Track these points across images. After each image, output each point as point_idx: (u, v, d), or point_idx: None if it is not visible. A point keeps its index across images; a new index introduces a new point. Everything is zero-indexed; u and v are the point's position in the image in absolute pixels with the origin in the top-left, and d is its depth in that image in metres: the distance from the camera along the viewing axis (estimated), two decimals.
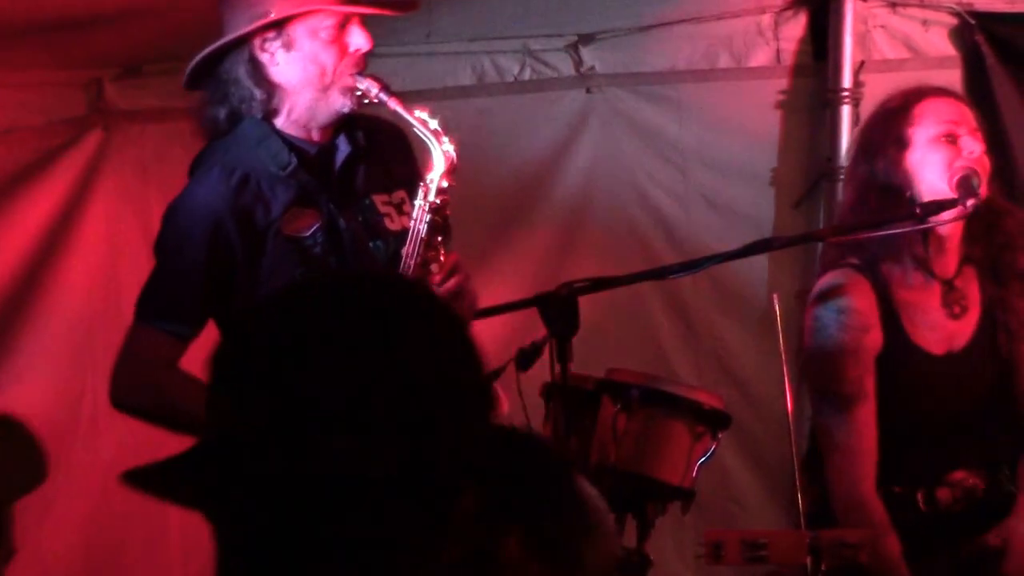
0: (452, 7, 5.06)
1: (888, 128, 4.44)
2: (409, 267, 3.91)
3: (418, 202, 3.90)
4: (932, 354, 4.41)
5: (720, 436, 4.21)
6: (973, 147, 4.31)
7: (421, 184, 3.91)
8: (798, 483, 3.93)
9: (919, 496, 4.38)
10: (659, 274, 4.51)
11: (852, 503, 4.22)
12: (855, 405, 4.36)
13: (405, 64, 5.12)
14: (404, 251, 3.91)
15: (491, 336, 4.19)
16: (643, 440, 4.12)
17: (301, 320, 1.84)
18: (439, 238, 3.93)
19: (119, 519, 4.99)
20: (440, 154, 3.88)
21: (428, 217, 3.91)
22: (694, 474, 4.08)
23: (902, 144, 4.38)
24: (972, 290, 4.45)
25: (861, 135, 4.56)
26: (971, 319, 4.44)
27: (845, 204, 4.53)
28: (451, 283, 3.89)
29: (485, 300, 4.29)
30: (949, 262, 4.40)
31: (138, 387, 3.98)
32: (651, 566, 4.14)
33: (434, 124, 3.87)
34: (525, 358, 4.01)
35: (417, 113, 3.88)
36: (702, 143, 5.37)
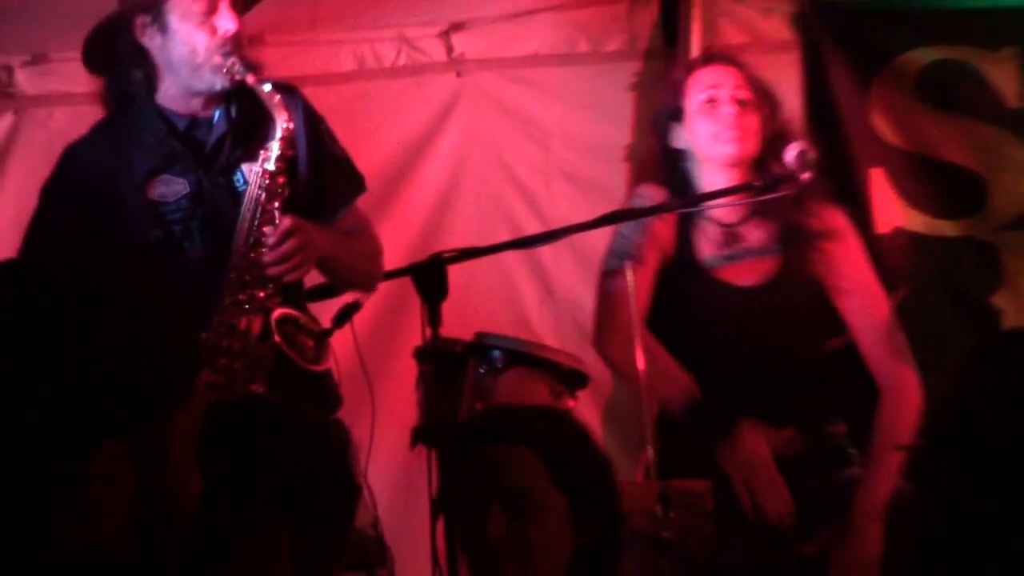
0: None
1: (667, 102, 4.55)
2: (244, 230, 3.93)
3: (256, 167, 3.96)
4: (718, 279, 4.43)
5: (578, 394, 4.25)
6: (729, 108, 4.40)
7: (261, 151, 3.97)
8: (648, 437, 3.93)
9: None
10: (523, 244, 4.59)
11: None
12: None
13: (293, 52, 5.15)
14: (240, 214, 3.95)
15: (369, 302, 4.27)
16: (507, 398, 4.12)
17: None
18: (276, 203, 3.96)
19: None
20: (280, 126, 3.95)
21: (266, 183, 3.95)
22: None
23: (678, 116, 4.49)
24: (760, 238, 4.46)
25: (653, 110, 4.66)
26: (766, 265, 4.45)
27: (642, 172, 4.63)
28: (286, 246, 3.90)
29: None
30: (731, 211, 4.46)
31: None
32: None
33: (278, 99, 3.95)
34: (339, 317, 4.00)
35: (265, 88, 3.95)
36: (563, 122, 5.38)
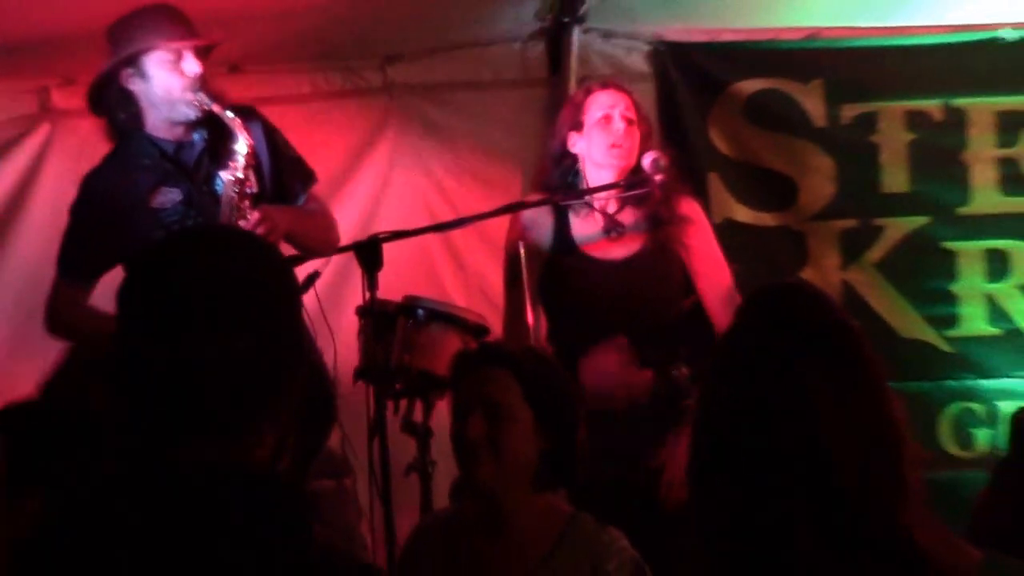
0: (296, 37, 5.22)
1: (569, 115, 4.76)
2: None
3: (228, 176, 4.23)
4: (592, 256, 4.63)
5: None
6: (619, 125, 4.62)
7: (231, 163, 4.22)
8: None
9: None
10: (440, 228, 4.89)
11: None
12: (510, 289, 4.62)
13: (262, 78, 5.43)
14: (221, 212, 4.19)
15: (323, 271, 4.39)
16: (428, 346, 4.37)
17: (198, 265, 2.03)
18: (247, 202, 4.23)
19: None
20: (243, 143, 4.23)
21: (237, 187, 4.21)
22: None
23: (578, 127, 4.72)
24: (632, 221, 4.65)
25: (555, 120, 4.84)
26: (633, 243, 4.64)
27: (539, 171, 4.87)
28: (258, 232, 4.11)
29: None
30: (612, 204, 4.70)
31: (56, 323, 4.40)
32: (433, 435, 4.40)
33: (239, 122, 4.23)
34: (304, 283, 4.18)
35: (228, 114, 4.24)
36: (471, 134, 5.67)
